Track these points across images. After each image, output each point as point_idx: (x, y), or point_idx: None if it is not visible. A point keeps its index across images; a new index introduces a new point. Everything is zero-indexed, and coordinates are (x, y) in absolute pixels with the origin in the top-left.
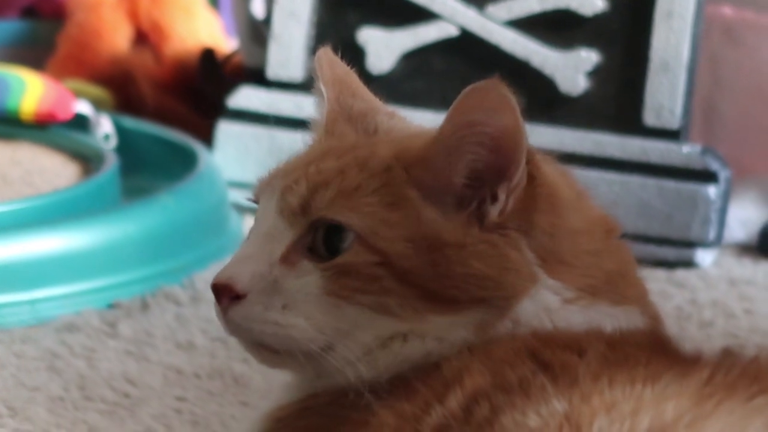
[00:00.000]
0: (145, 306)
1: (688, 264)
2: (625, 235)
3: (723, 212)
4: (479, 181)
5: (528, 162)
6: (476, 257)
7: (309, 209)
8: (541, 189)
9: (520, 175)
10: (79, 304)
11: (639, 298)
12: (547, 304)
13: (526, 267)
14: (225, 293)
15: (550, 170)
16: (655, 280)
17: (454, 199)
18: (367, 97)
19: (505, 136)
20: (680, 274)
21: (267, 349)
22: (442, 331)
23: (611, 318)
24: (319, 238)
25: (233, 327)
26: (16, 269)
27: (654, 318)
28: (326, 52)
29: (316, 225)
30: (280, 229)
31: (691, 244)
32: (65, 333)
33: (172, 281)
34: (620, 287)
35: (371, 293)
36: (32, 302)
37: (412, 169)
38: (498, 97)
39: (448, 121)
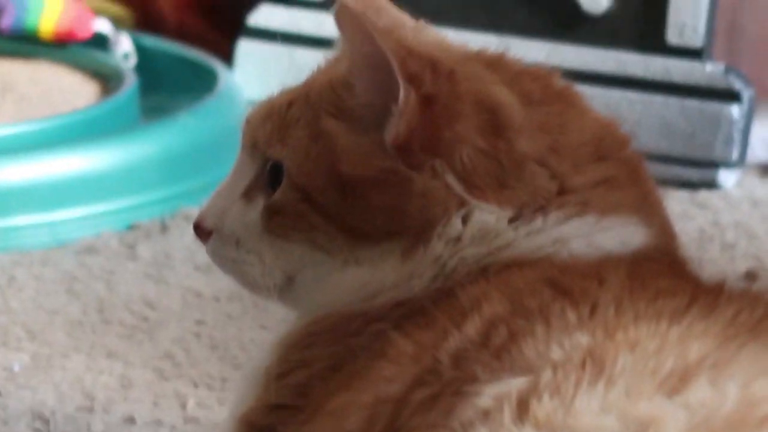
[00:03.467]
0: (164, 228)
1: (711, 185)
2: (648, 155)
3: (746, 132)
4: (377, 107)
5: (437, 78)
6: (376, 188)
7: (257, 144)
8: (463, 106)
9: (404, 95)
10: (98, 225)
11: (633, 204)
12: (486, 226)
13: (441, 193)
14: (200, 231)
15: (498, 89)
16: (677, 201)
17: (374, 124)
18: (392, 13)
19: (375, 57)
20: (702, 194)
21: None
22: (373, 260)
23: (597, 229)
24: (267, 174)
25: (214, 262)
26: (35, 191)
27: (662, 227)
28: None
29: (261, 168)
30: (246, 165)
31: (713, 164)
32: (84, 255)
33: (192, 202)
34: (607, 196)
35: (302, 230)
36: (51, 224)
37: (340, 94)
38: (349, 21)
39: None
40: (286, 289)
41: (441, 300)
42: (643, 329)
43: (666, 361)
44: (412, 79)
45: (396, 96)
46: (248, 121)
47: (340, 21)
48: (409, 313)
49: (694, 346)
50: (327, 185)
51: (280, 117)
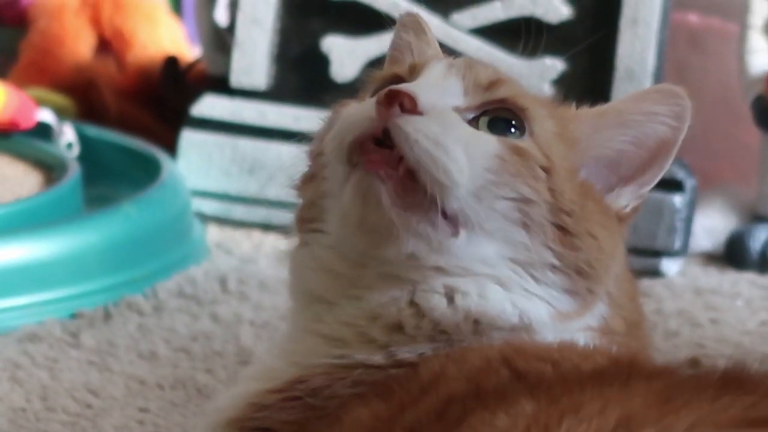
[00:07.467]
0: (107, 316)
1: (654, 273)
2: None
3: (689, 221)
4: (614, 166)
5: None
6: (601, 225)
7: (495, 88)
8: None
9: (650, 186)
10: (41, 314)
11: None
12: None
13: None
14: (404, 103)
15: None
16: None
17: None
18: None
19: (669, 144)
20: (646, 283)
21: (405, 175)
22: (547, 287)
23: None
24: (483, 118)
25: (399, 135)
26: None
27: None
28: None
29: (490, 105)
30: (456, 90)
31: (657, 254)
32: (27, 343)
33: (135, 291)
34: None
35: (527, 186)
36: None
37: (584, 118)
38: (687, 109)
39: (632, 100)
40: (447, 199)
41: (405, 374)
42: (587, 393)
43: (610, 416)
44: None
45: (640, 173)
46: (479, 65)
47: (680, 102)
48: (375, 383)
49: (637, 401)
50: (568, 179)
51: (522, 89)
